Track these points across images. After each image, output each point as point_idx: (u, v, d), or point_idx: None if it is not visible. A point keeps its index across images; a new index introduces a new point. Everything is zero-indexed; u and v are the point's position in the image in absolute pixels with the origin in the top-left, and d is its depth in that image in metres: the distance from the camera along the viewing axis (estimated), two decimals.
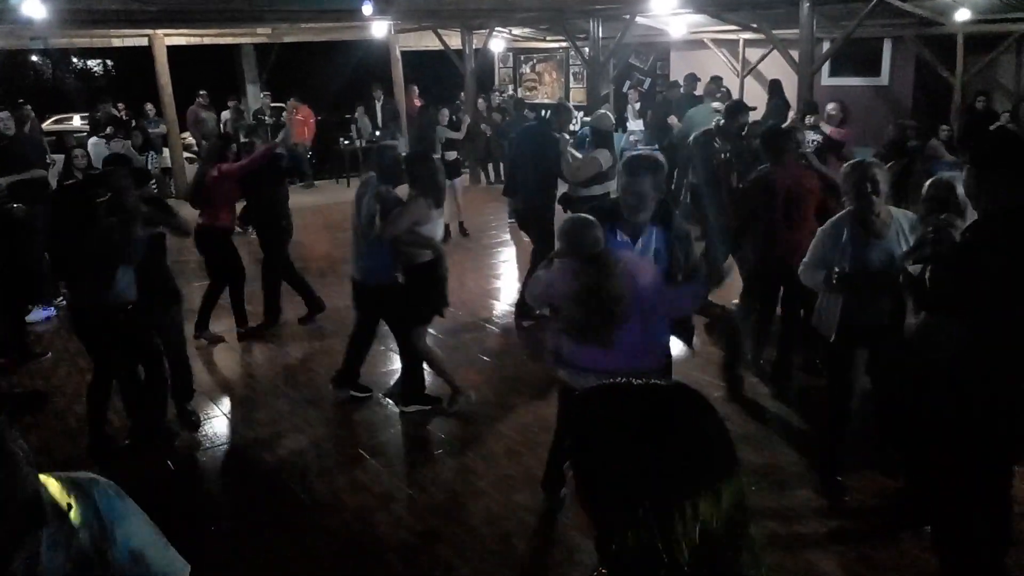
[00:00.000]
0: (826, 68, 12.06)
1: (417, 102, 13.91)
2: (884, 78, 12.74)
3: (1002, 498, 2.93)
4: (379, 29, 13.25)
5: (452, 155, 10.03)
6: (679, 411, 1.02)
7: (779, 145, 5.09)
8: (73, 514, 1.42)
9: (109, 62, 28.07)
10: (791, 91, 9.74)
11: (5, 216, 6.10)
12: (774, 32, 9.49)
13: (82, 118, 17.28)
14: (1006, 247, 2.48)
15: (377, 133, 14.19)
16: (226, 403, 5.47)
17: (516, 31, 15.40)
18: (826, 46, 9.95)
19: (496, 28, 14.19)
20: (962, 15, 9.61)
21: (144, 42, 12.34)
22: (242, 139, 8.36)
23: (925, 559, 3.38)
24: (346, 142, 14.95)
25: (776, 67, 11.68)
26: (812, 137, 7.63)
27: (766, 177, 5.02)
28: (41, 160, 7.64)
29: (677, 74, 14.95)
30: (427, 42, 15.10)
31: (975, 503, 2.87)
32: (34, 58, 25.88)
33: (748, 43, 13.71)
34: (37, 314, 7.12)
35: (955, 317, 2.59)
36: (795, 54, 8.71)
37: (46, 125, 16.12)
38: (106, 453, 4.62)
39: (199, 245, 6.40)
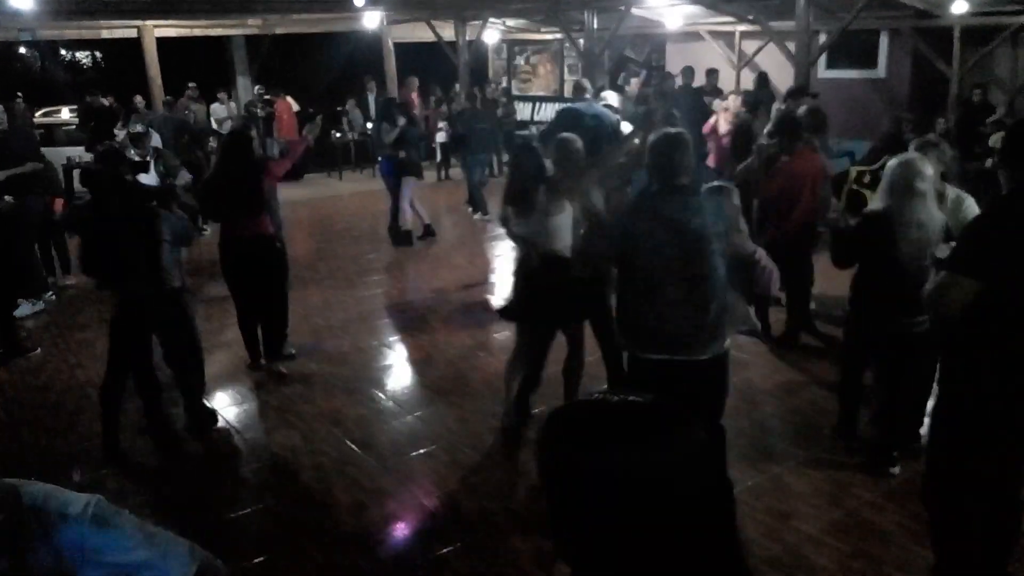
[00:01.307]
0: (823, 60, 12.02)
1: (415, 96, 13.77)
2: (881, 70, 12.71)
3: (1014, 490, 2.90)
4: (371, 20, 13.16)
5: (400, 154, 9.01)
6: (660, 430, 0.94)
7: (793, 131, 5.40)
8: (27, 551, 1.35)
9: (98, 54, 27.85)
10: (788, 83, 9.69)
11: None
12: (770, 24, 9.45)
13: (71, 110, 17.13)
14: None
15: (369, 125, 14.08)
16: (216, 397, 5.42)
17: (510, 22, 15.32)
18: (823, 38, 9.90)
19: (490, 19, 14.10)
20: (959, 8, 9.58)
21: (133, 34, 12.24)
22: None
23: (923, 555, 3.36)
24: (338, 135, 14.84)
25: (773, 59, 11.63)
26: None
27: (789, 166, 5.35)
28: (34, 153, 7.54)
29: (673, 66, 14.89)
30: (420, 34, 15.02)
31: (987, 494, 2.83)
32: (23, 50, 25.66)
33: (744, 35, 13.66)
34: (25, 308, 7.03)
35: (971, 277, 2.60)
36: (791, 46, 8.67)
37: (35, 117, 15.96)
38: (119, 452, 4.57)
39: (250, 257, 5.46)
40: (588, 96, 7.44)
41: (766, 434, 4.58)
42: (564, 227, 4.16)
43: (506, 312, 4.75)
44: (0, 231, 6.19)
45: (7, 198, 6.35)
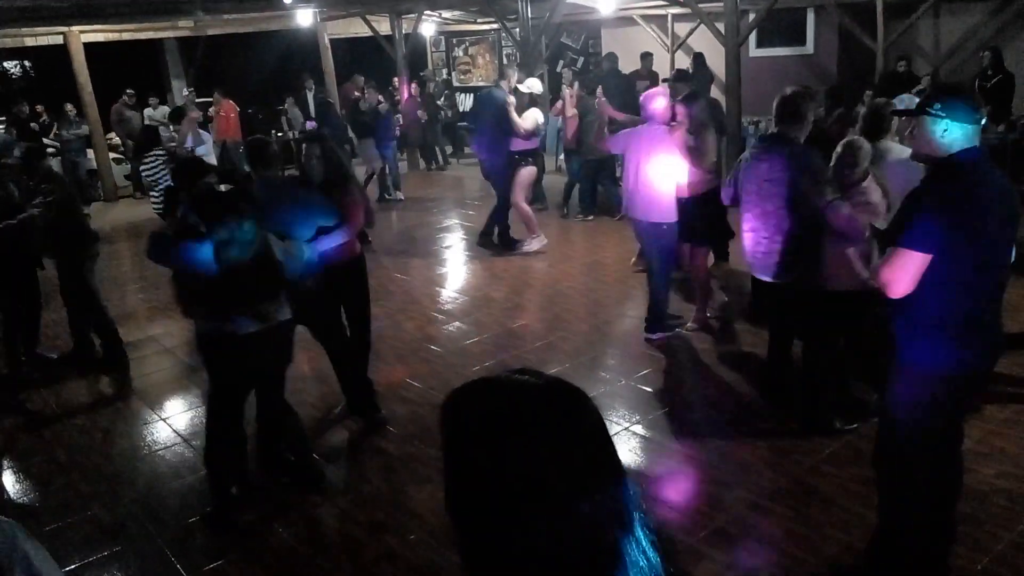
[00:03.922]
0: (753, 40, 12.23)
1: (357, 93, 13.64)
2: (809, 47, 13.00)
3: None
4: (305, 17, 12.98)
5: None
6: (555, 410, 0.95)
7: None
8: None
9: (27, 63, 26.96)
10: (721, 64, 9.85)
11: None
12: (700, 6, 9.56)
13: None
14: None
15: (308, 124, 13.94)
16: (173, 406, 5.35)
17: (446, 14, 15.25)
18: (752, 17, 10.07)
19: (425, 12, 14.02)
20: None
21: (60, 40, 11.89)
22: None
23: (865, 515, 3.49)
24: (278, 134, 14.66)
25: (705, 41, 11.76)
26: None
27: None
28: None
29: (609, 51, 15.01)
30: (356, 29, 14.87)
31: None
32: None
33: (676, 18, 13.83)
34: None
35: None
36: (722, 27, 8.79)
37: None
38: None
39: (345, 279, 4.68)
40: (502, 82, 8.24)
41: (708, 406, 4.70)
42: None
43: None
44: None
45: None
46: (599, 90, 8.31)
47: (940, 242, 2.61)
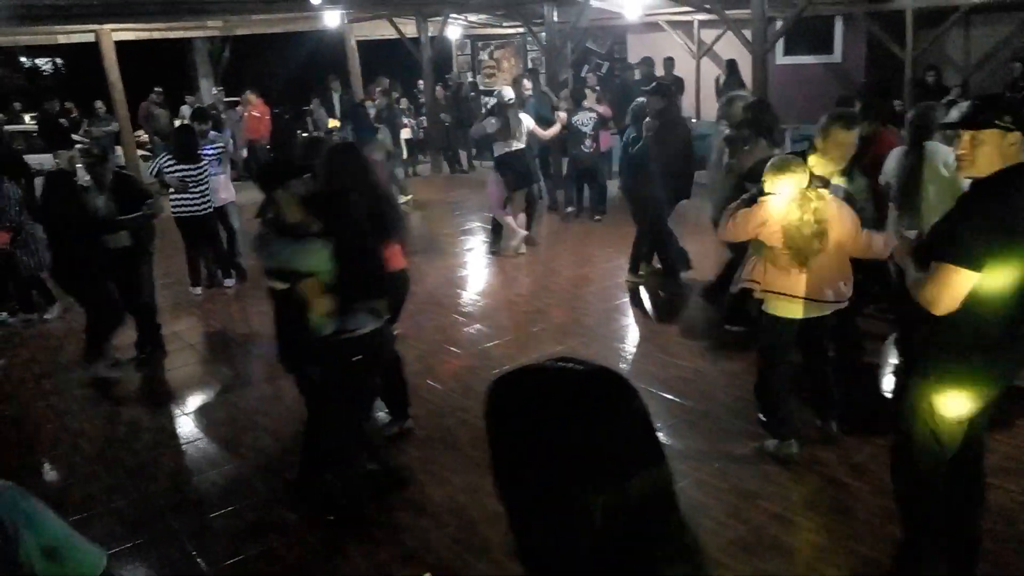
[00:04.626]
0: (780, 47, 12.16)
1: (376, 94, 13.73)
2: (837, 55, 12.90)
3: None
4: (332, 19, 13.08)
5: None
6: (598, 396, 0.99)
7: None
8: None
9: (59, 60, 27.36)
10: (746, 71, 9.80)
11: None
12: (727, 12, 9.51)
13: (32, 118, 16.83)
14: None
15: (333, 124, 14.04)
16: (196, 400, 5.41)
17: (472, 17, 15.29)
18: (779, 25, 10.01)
19: (451, 15, 14.07)
20: None
21: (91, 38, 12.05)
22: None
23: (888, 529, 3.45)
24: (303, 135, 14.75)
25: (731, 47, 11.74)
26: (589, 116, 9.34)
27: None
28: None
29: (635, 57, 14.99)
30: (382, 31, 14.95)
31: None
32: None
33: (703, 24, 13.77)
34: None
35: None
36: (749, 34, 8.75)
37: None
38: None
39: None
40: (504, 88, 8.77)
41: (731, 415, 4.66)
42: None
43: None
44: None
45: None
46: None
47: (989, 259, 2.52)
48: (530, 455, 0.96)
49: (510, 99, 8.41)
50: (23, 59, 27.32)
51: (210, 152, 7.52)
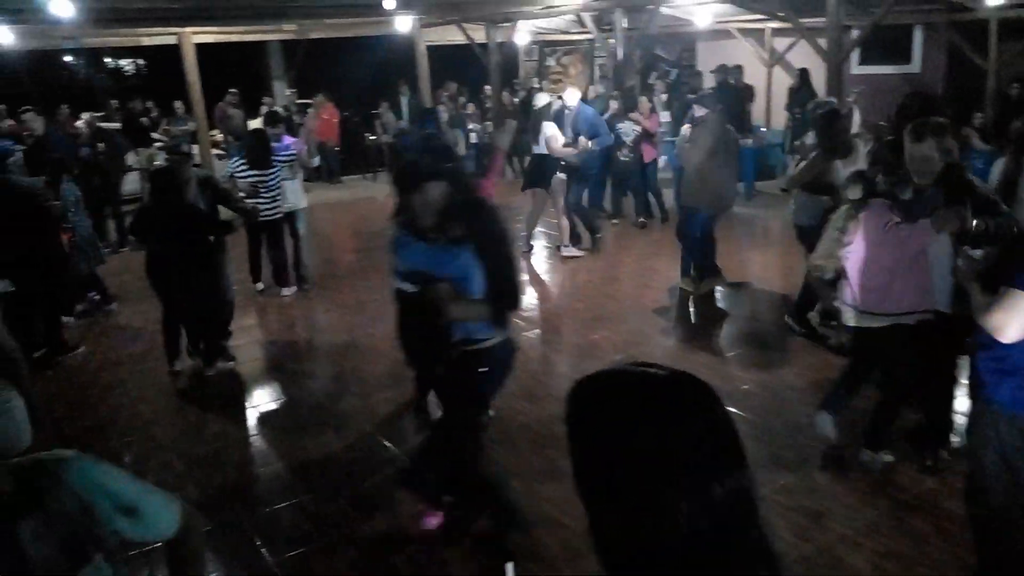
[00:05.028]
0: (855, 56, 11.86)
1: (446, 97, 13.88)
2: (915, 65, 12.53)
3: None
4: (403, 24, 13.25)
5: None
6: (682, 400, 0.99)
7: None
8: (51, 502, 1.44)
9: (140, 61, 28.42)
10: (820, 80, 9.59)
11: (43, 214, 6.20)
12: (801, 20, 9.33)
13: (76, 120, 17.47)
14: None
15: (400, 129, 14.22)
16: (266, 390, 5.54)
17: (541, 23, 15.33)
18: (855, 34, 9.77)
19: (520, 21, 14.14)
20: (995, 0, 9.39)
21: (173, 40, 12.48)
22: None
23: (959, 556, 3.33)
24: (372, 138, 15.02)
25: (804, 56, 11.52)
26: (633, 128, 9.56)
27: None
28: (70, 159, 7.82)
29: (704, 65, 14.82)
30: (452, 36, 15.09)
31: None
32: (67, 58, 26.25)
33: (775, 32, 13.54)
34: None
35: None
36: (823, 42, 8.56)
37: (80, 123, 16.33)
38: None
39: None
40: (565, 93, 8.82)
41: (799, 432, 4.56)
42: None
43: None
44: (47, 234, 6.35)
45: (56, 203, 6.52)
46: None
47: None
48: (614, 457, 0.97)
49: (541, 106, 8.70)
50: (108, 60, 28.46)
51: (282, 158, 7.48)
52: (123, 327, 7.06)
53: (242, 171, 7.20)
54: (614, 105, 9.89)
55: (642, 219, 9.95)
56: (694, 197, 6.85)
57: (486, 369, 3.45)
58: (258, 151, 7.24)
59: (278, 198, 7.38)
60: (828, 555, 3.47)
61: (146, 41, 13.16)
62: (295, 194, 7.74)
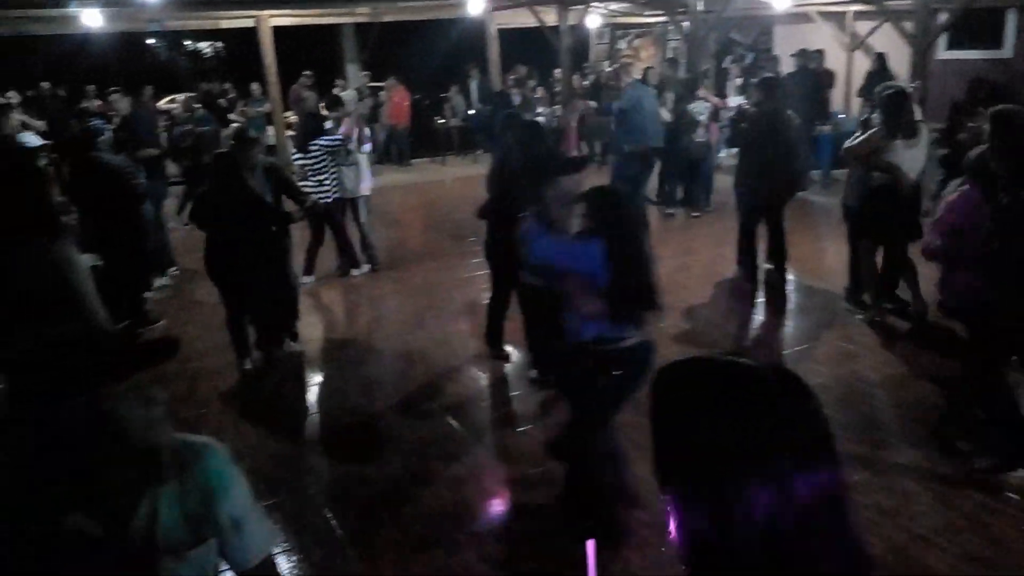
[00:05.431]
0: (943, 41, 11.37)
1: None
2: (1007, 50, 11.93)
3: None
4: (475, 6, 13.27)
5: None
6: (771, 391, 0.97)
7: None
8: (188, 476, 1.51)
9: (219, 44, 29.19)
10: (904, 65, 9.23)
11: (129, 192, 6.44)
12: (886, 3, 9.00)
13: (168, 101, 18.03)
14: None
15: (471, 112, 14.28)
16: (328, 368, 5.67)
17: (613, 6, 15.16)
18: (942, 17, 9.37)
19: (593, 3, 14.00)
20: None
21: (251, 23, 12.77)
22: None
23: None
24: (441, 121, 15.11)
25: (888, 40, 11.10)
26: (705, 105, 9.35)
27: None
28: (153, 139, 8.09)
29: (781, 49, 14.43)
30: (523, 19, 15.05)
31: None
32: (150, 41, 27.13)
33: (858, 15, 13.08)
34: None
35: None
36: (909, 26, 8.24)
37: (161, 104, 16.91)
38: None
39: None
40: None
41: (875, 429, 4.43)
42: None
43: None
44: (133, 211, 6.60)
45: (143, 181, 6.76)
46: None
47: None
48: (696, 443, 0.96)
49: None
50: (187, 42, 29.33)
51: (324, 143, 7.22)
52: (201, 302, 7.28)
53: (295, 155, 7.23)
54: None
55: (696, 213, 9.69)
56: (751, 183, 6.72)
57: (619, 372, 3.32)
58: (300, 135, 7.22)
59: (325, 183, 7.24)
60: (902, 554, 3.37)
61: (225, 24, 13.50)
62: (351, 180, 7.53)
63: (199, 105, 12.01)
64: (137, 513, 1.44)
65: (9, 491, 1.39)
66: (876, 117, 5.82)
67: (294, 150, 7.22)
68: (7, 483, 1.40)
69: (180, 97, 13.06)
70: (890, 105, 5.51)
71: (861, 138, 5.69)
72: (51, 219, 3.32)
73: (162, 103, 15.94)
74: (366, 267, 7.93)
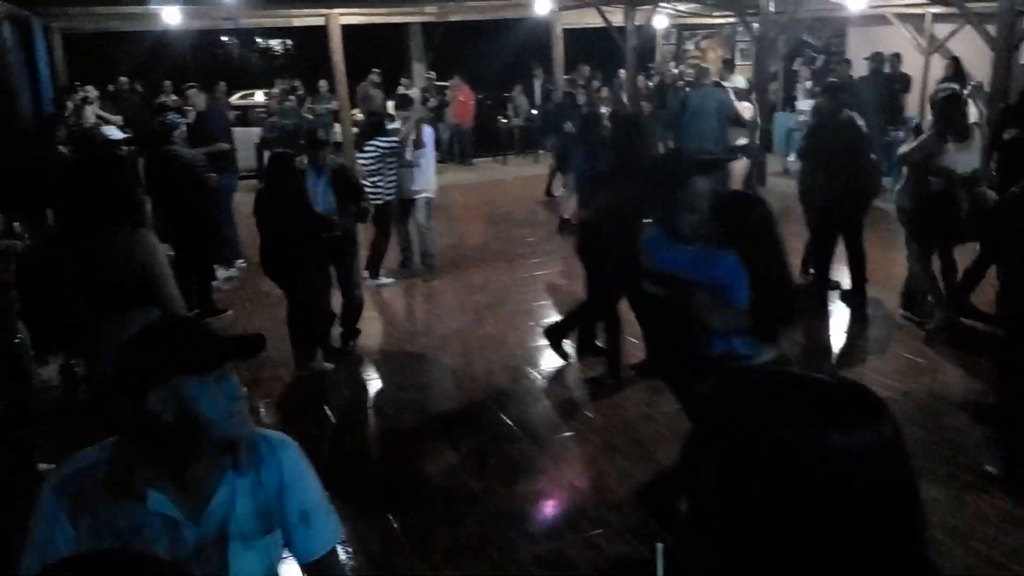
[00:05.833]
0: None
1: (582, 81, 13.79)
2: None
3: None
4: (542, 6, 13.27)
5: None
6: (845, 410, 0.92)
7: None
8: (264, 469, 1.55)
9: (289, 41, 29.83)
10: (986, 70, 8.88)
11: (202, 185, 6.64)
12: (967, 5, 8.67)
13: (264, 94, 18.49)
14: None
15: (534, 112, 14.28)
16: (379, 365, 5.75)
17: (681, 6, 14.98)
18: None
19: (661, 3, 13.86)
20: None
21: (321, 21, 13.03)
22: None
23: None
24: (504, 121, 15.16)
25: (968, 44, 10.70)
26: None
27: None
28: (225, 134, 8.32)
29: (854, 52, 14.05)
30: (589, 19, 14.99)
31: None
32: (223, 38, 27.87)
33: (937, 18, 12.64)
34: (220, 273, 7.75)
35: None
36: (992, 29, 7.91)
37: (233, 100, 17.35)
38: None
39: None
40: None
41: (948, 447, 4.28)
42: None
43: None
44: (205, 204, 6.80)
45: (213, 175, 6.95)
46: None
47: None
48: (762, 461, 0.91)
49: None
50: (259, 40, 30.04)
51: (380, 143, 7.06)
52: (267, 293, 7.44)
53: (358, 155, 7.29)
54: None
55: None
56: (815, 189, 6.54)
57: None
58: (360, 134, 7.27)
59: (379, 184, 7.10)
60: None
61: (297, 22, 13.81)
62: (410, 181, 7.43)
63: (292, 98, 12.51)
64: (215, 500, 1.50)
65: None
66: (927, 122, 5.73)
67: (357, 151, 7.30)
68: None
69: (275, 91, 13.73)
70: (942, 108, 5.45)
71: (915, 144, 5.61)
72: (136, 208, 3.45)
73: (234, 98, 16.38)
74: (388, 280, 7.64)
